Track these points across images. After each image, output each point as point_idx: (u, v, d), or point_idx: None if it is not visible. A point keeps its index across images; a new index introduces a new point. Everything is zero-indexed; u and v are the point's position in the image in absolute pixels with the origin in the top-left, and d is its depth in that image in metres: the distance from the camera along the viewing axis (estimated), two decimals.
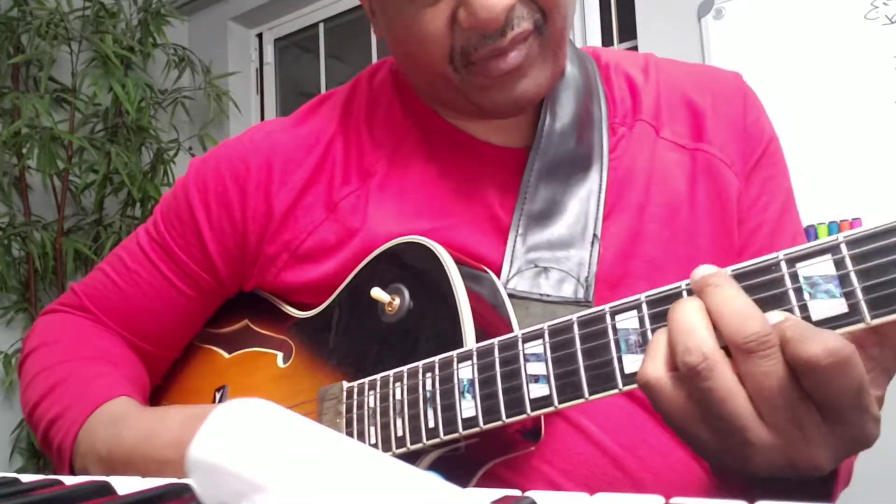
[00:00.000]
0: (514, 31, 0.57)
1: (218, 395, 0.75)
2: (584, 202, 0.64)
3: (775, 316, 0.40)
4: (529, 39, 0.58)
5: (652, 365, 0.42)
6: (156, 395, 0.82)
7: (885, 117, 1.64)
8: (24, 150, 2.20)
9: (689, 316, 0.41)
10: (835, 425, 0.39)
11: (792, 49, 1.76)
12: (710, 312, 0.41)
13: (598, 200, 0.64)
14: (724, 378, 0.39)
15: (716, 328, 0.40)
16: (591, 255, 0.62)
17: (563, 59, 0.64)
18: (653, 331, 0.44)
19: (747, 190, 0.68)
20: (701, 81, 0.71)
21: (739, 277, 0.42)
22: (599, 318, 0.47)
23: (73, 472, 0.66)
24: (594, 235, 0.63)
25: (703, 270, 0.42)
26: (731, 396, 0.39)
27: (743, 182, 0.67)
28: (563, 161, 0.66)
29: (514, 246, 0.63)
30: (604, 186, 0.64)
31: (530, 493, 0.32)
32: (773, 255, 0.41)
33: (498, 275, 0.62)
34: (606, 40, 2.14)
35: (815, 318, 0.40)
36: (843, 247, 0.39)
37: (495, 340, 0.51)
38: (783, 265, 0.41)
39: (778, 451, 0.40)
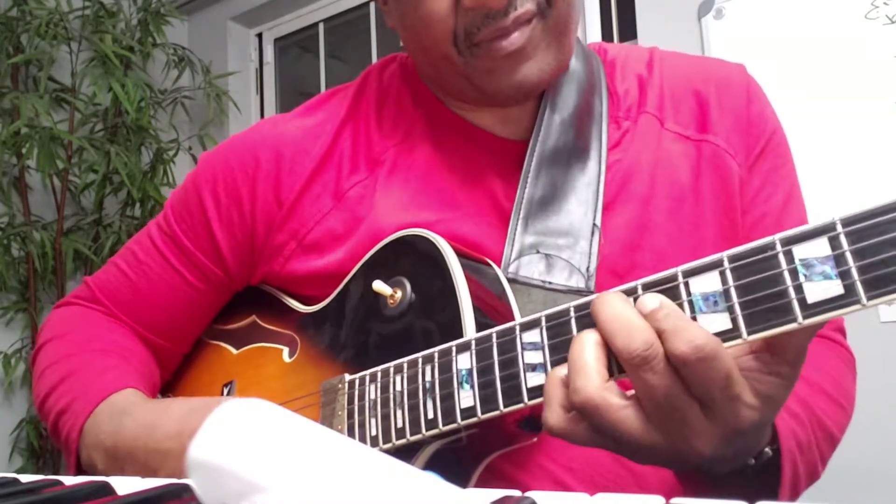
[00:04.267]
0: (517, 12, 0.58)
1: (226, 391, 0.76)
2: (583, 192, 0.64)
3: (651, 301, 0.41)
4: (533, 22, 0.59)
5: (551, 413, 0.44)
6: (165, 391, 0.83)
7: (885, 117, 1.64)
8: (24, 150, 2.20)
9: (580, 353, 0.43)
10: (711, 415, 0.42)
11: (792, 49, 1.76)
12: (601, 332, 0.42)
13: (598, 191, 0.64)
14: (610, 411, 0.42)
15: (608, 345, 0.42)
16: (591, 244, 0.62)
17: (569, 47, 0.64)
18: None
19: (750, 180, 0.68)
20: (705, 72, 0.71)
21: (734, 259, 0.42)
22: None
23: (79, 463, 0.67)
24: (594, 225, 0.63)
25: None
26: (621, 421, 0.42)
27: (746, 172, 0.68)
28: (562, 151, 0.66)
29: (516, 230, 0.63)
30: (602, 177, 0.65)
31: (530, 494, 0.32)
32: (770, 237, 0.41)
33: (500, 263, 0.62)
34: (606, 40, 2.14)
35: (810, 300, 0.39)
36: (839, 226, 0.39)
37: (493, 329, 0.51)
38: (778, 246, 0.40)
39: (665, 449, 0.42)
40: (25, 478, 0.41)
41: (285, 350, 0.72)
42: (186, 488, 0.36)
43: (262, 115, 2.91)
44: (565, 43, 0.63)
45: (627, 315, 0.41)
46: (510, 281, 0.61)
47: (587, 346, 0.43)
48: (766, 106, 0.72)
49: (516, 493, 0.33)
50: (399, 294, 0.61)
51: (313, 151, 0.69)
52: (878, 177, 1.63)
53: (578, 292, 0.61)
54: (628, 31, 2.08)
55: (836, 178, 1.66)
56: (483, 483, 0.56)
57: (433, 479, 0.27)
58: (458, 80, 0.64)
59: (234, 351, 0.77)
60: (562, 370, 0.45)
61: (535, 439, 0.57)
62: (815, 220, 0.40)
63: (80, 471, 0.67)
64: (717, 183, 0.66)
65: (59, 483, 0.38)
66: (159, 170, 2.47)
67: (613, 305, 0.42)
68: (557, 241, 0.62)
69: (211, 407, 0.65)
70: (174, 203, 0.76)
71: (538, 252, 0.62)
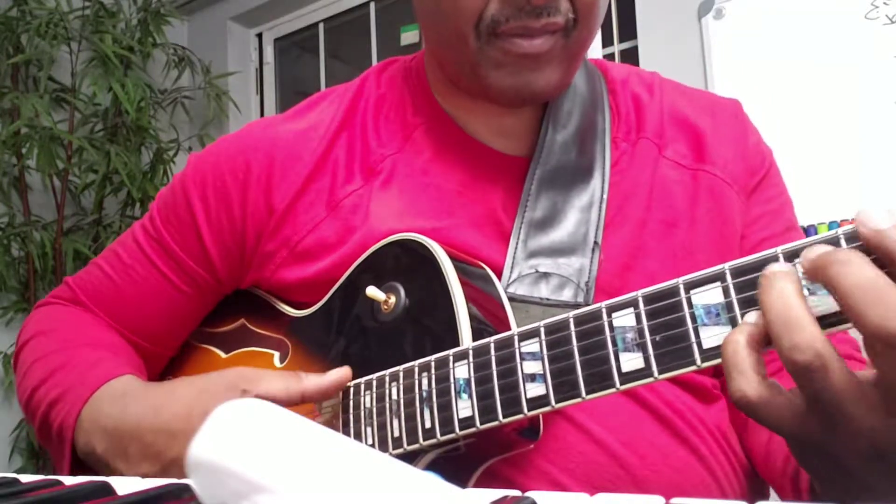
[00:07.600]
0: (549, 19, 0.58)
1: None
2: (585, 210, 0.64)
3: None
4: (557, 35, 0.59)
5: (746, 382, 0.38)
6: None
7: (885, 117, 1.64)
8: (24, 150, 2.20)
9: (792, 305, 0.37)
10: None
11: (792, 49, 1.76)
12: (847, 302, 0.35)
13: (600, 209, 0.64)
14: (843, 370, 0.36)
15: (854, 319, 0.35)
16: (591, 262, 0.63)
17: (575, 69, 0.65)
18: (650, 329, 0.44)
19: (749, 209, 0.69)
20: (702, 104, 0.73)
21: (736, 273, 0.41)
22: (596, 315, 0.46)
23: (74, 452, 0.65)
24: (595, 243, 0.63)
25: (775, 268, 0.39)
26: (855, 387, 0.36)
27: (744, 200, 0.69)
28: (563, 170, 0.66)
29: (516, 252, 0.63)
30: (605, 196, 0.65)
31: (531, 494, 0.32)
32: (772, 249, 0.40)
33: (498, 277, 0.62)
34: (606, 40, 2.14)
35: (814, 314, 0.38)
36: (842, 241, 0.38)
37: (491, 339, 0.51)
38: (781, 259, 0.40)
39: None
40: (25, 478, 0.41)
41: (276, 355, 0.71)
42: (186, 488, 0.36)
43: (261, 116, 2.90)
44: (575, 65, 0.64)
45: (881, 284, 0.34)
46: (509, 300, 0.61)
47: (793, 297, 0.36)
48: (761, 139, 0.74)
49: (516, 492, 0.33)
50: (393, 300, 0.60)
51: (306, 157, 0.68)
52: (878, 177, 1.63)
53: (576, 306, 0.61)
54: (628, 31, 2.08)
55: (835, 178, 1.66)
56: (480, 485, 0.56)
57: (433, 479, 0.27)
58: (461, 65, 0.63)
59: (223, 355, 0.76)
60: (740, 334, 0.38)
61: (532, 446, 0.57)
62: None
63: (74, 461, 0.65)
64: (714, 211, 0.67)
65: (59, 483, 0.38)
66: (159, 170, 2.47)
67: (864, 271, 0.35)
68: (557, 259, 0.62)
69: (219, 392, 0.64)
70: (161, 205, 0.74)
71: (537, 272, 0.62)
